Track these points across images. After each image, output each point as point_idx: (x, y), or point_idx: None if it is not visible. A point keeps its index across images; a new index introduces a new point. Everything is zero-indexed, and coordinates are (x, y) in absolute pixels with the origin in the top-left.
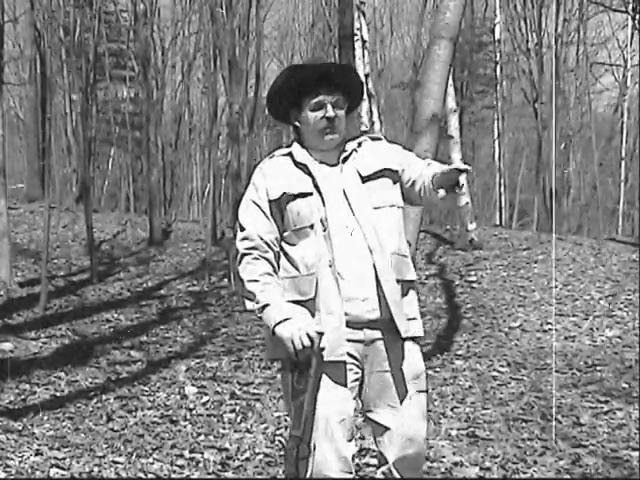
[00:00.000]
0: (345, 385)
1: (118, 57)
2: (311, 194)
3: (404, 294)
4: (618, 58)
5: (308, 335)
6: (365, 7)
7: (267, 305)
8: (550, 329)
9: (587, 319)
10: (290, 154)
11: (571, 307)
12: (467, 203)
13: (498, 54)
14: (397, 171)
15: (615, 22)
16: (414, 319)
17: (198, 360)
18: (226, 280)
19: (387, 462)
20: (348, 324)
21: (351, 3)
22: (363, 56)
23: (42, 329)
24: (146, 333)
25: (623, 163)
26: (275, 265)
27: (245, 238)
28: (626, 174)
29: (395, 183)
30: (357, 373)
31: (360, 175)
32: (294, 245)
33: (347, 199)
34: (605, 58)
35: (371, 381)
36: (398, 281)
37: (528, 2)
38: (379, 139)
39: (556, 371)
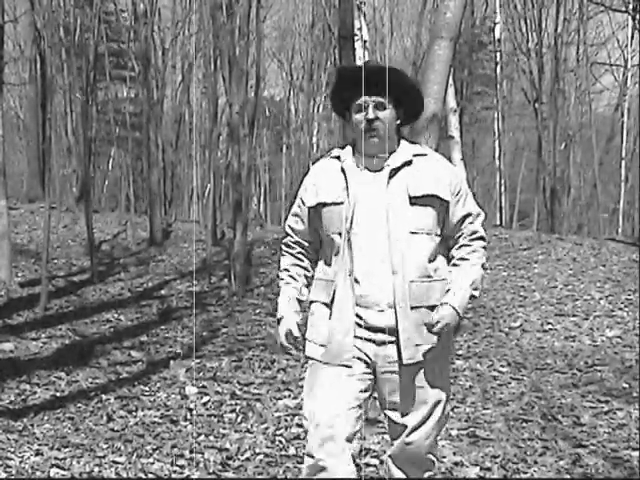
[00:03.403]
0: (347, 389)
1: (118, 57)
2: (343, 203)
3: (423, 319)
4: (618, 58)
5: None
6: (365, 7)
7: (279, 297)
8: (550, 329)
9: (587, 319)
10: (338, 157)
11: (571, 307)
12: None
13: (498, 54)
14: (447, 202)
15: (615, 22)
16: (431, 343)
17: (198, 360)
18: (226, 280)
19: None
20: (361, 325)
21: (351, 3)
22: (363, 56)
23: (42, 329)
24: (146, 333)
25: (623, 163)
26: (304, 260)
27: (286, 232)
28: (626, 174)
29: (439, 213)
30: (367, 374)
31: (409, 195)
32: (323, 249)
33: (387, 216)
34: (605, 58)
35: (382, 380)
36: (413, 307)
37: (528, 2)
38: (441, 158)
39: (556, 371)
